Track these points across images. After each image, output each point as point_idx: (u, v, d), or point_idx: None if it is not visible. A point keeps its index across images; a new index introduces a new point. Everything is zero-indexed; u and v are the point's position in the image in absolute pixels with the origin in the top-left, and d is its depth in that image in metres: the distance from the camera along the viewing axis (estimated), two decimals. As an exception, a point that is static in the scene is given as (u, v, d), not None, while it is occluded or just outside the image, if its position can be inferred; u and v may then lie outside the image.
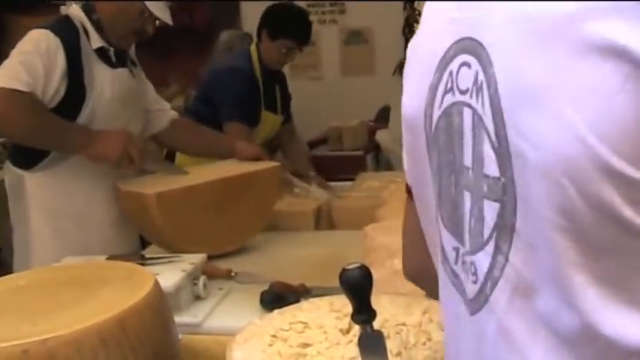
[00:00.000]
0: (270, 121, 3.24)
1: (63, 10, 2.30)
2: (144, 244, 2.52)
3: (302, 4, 4.22)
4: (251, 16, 4.18)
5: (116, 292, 1.39)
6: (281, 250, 2.34)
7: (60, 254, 2.07)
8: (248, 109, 3.07)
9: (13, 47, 2.14)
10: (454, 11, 0.80)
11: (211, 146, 2.67)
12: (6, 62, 2.09)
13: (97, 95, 2.21)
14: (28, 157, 2.27)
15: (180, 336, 1.55)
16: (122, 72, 2.31)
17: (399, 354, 1.35)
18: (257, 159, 2.54)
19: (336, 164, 3.40)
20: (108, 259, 1.90)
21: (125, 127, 2.25)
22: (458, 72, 0.76)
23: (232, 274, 2.02)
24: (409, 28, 5.06)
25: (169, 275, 1.73)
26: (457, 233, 0.79)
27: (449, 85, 0.78)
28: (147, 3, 2.26)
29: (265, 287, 1.82)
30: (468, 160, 0.75)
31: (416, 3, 5.00)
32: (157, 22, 2.33)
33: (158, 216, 2.13)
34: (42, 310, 1.35)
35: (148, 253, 2.21)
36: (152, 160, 2.42)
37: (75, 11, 2.26)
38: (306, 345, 1.40)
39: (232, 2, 5.66)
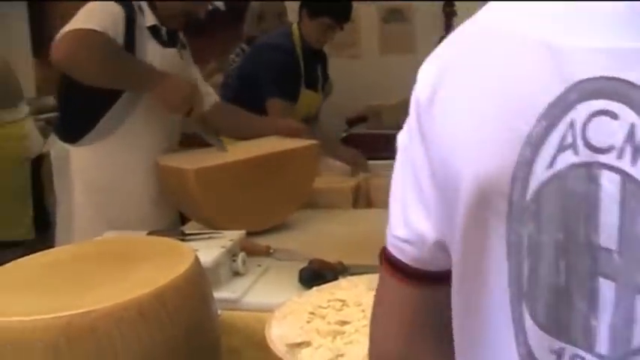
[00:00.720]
0: (310, 99, 3.23)
1: None
2: (183, 220, 2.53)
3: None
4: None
5: (156, 267, 1.40)
6: (319, 227, 2.34)
7: (100, 229, 2.10)
8: (289, 86, 3.07)
9: (53, 32, 2.15)
10: (566, 38, 0.59)
11: (254, 129, 2.66)
12: (74, 19, 2.12)
13: None
14: (73, 131, 2.30)
15: (219, 311, 1.56)
16: (172, 52, 2.33)
17: (437, 333, 1.34)
18: (297, 136, 2.54)
19: (375, 143, 3.37)
20: (148, 234, 1.92)
21: None
22: (588, 123, 0.58)
23: (271, 250, 2.02)
24: (449, 6, 5.00)
25: (209, 251, 1.74)
26: (565, 332, 0.61)
27: (568, 139, 0.59)
28: None
29: (303, 264, 1.82)
30: (608, 240, 0.57)
31: (457, -21, 4.94)
32: (210, 6, 2.35)
33: (197, 191, 2.14)
34: (83, 284, 1.37)
35: (187, 229, 2.22)
36: (203, 125, 2.42)
37: None
38: (344, 322, 1.40)
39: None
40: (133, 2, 2.24)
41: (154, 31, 2.27)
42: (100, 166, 2.30)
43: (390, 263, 0.79)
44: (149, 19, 2.26)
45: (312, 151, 2.46)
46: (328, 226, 2.34)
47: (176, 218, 2.50)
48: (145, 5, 2.26)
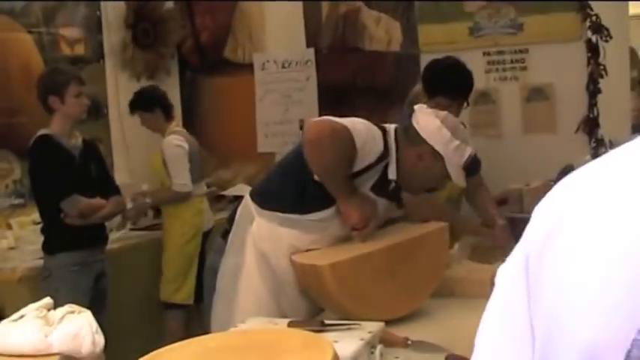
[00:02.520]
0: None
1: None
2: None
3: (483, 62, 4.24)
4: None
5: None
6: (457, 318, 2.30)
7: (257, 299, 2.31)
8: None
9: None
10: None
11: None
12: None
13: None
14: (280, 200, 2.43)
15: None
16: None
17: None
18: (425, 220, 2.56)
19: (516, 227, 3.31)
20: (289, 324, 1.97)
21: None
22: None
23: (409, 342, 2.02)
24: (593, 84, 4.90)
25: (348, 343, 1.77)
26: None
27: None
28: (450, 170, 2.37)
29: (441, 358, 1.81)
30: None
31: (600, 58, 4.84)
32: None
33: (332, 285, 2.21)
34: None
35: (324, 317, 2.27)
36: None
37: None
38: None
39: (414, 60, 5.67)
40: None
41: (381, 186, 2.40)
42: (276, 241, 2.41)
43: None
44: (391, 172, 2.38)
45: (441, 234, 2.47)
46: (467, 317, 2.29)
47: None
48: (394, 160, 2.37)
